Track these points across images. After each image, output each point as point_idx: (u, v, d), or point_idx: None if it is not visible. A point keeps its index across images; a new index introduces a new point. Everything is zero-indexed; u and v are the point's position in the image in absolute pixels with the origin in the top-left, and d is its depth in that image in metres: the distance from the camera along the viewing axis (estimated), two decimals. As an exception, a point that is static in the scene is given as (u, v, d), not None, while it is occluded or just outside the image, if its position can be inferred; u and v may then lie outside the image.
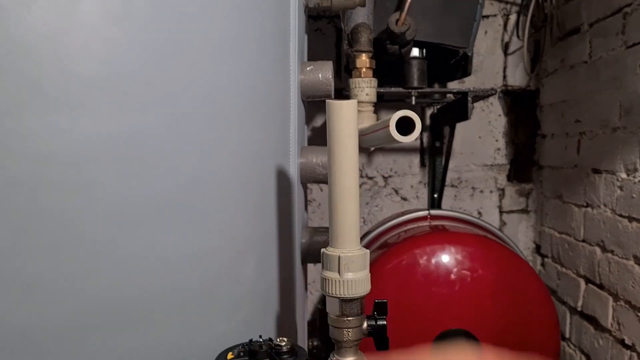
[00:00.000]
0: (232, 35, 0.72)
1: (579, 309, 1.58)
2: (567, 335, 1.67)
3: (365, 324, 0.75)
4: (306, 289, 1.38)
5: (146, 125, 0.61)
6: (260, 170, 0.81)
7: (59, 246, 0.57)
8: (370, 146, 1.13)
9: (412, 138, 0.75)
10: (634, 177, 1.27)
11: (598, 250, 1.46)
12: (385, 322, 0.75)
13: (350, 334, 0.72)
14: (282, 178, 0.88)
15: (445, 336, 1.31)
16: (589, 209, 1.52)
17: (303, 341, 1.07)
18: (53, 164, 0.56)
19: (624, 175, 1.32)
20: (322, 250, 0.73)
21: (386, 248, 1.48)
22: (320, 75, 1.05)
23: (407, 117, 0.75)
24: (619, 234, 1.34)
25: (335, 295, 0.71)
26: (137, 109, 0.61)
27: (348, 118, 0.67)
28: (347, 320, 0.72)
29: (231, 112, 0.73)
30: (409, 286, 1.33)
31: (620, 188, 1.34)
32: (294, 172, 0.95)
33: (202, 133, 0.68)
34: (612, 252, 1.38)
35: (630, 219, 1.29)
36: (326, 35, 2.01)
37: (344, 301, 0.71)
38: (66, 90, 0.56)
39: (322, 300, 2.00)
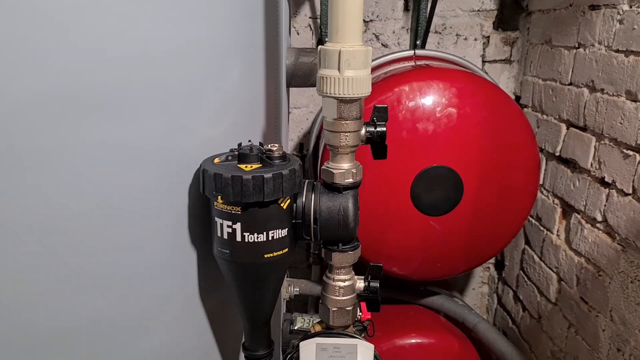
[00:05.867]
0: None
1: (558, 153, 1.58)
2: (540, 182, 1.68)
3: (363, 130, 0.69)
4: (288, 119, 1.32)
5: None
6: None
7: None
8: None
9: None
10: (638, 7, 1.20)
11: (586, 91, 1.42)
12: (385, 129, 0.69)
13: (348, 138, 0.67)
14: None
15: (428, 172, 1.29)
16: (581, 50, 1.45)
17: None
18: None
19: (626, 7, 1.24)
20: (320, 47, 0.65)
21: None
22: None
23: None
24: (612, 71, 1.29)
25: (333, 95, 0.64)
26: None
27: None
28: (345, 123, 0.66)
29: None
30: (394, 122, 1.27)
31: (620, 22, 1.26)
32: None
33: None
34: (602, 90, 1.34)
35: (628, 52, 1.23)
36: None
37: (343, 102, 0.65)
38: None
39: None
